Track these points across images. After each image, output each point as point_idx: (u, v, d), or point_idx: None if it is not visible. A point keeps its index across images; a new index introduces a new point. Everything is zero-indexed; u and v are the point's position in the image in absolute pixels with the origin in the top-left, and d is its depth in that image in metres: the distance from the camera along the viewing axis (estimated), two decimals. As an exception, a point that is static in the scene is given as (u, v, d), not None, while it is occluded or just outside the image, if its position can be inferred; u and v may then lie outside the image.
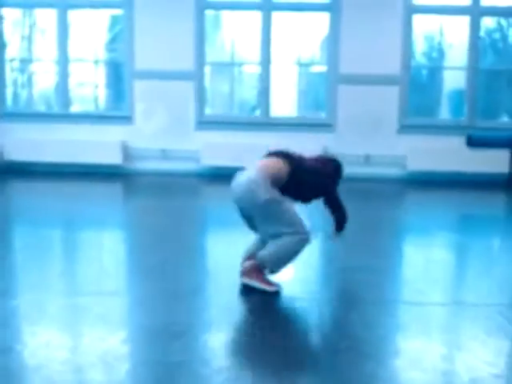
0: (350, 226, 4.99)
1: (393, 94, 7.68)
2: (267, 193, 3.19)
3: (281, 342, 2.68)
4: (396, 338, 2.83)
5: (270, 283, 3.34)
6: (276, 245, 3.27)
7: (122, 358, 2.50)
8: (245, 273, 3.36)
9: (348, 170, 7.67)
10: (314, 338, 2.74)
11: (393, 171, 7.68)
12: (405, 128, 7.69)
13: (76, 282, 3.55)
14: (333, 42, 7.62)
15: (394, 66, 7.62)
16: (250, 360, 2.52)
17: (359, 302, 3.23)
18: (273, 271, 3.38)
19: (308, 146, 7.55)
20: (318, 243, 4.47)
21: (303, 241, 3.28)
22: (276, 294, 3.28)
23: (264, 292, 3.29)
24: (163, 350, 2.55)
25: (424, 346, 2.68)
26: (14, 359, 2.47)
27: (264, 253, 3.31)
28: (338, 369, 2.41)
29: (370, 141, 7.66)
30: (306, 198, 3.53)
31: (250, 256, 3.48)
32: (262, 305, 3.19)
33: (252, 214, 3.31)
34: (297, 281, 3.64)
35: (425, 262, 4.23)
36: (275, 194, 3.25)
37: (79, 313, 3.01)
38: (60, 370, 2.36)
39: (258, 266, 3.33)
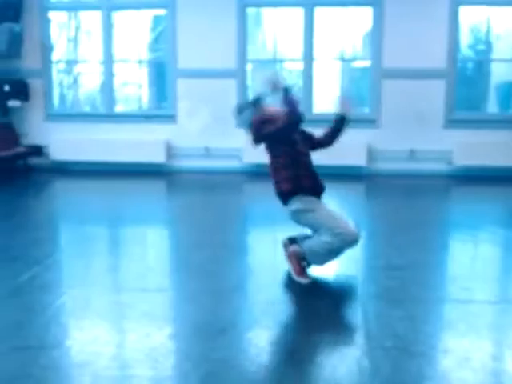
0: (395, 222, 4.93)
1: (439, 87, 7.51)
2: (296, 204, 3.36)
3: (325, 340, 2.66)
4: (444, 336, 2.77)
5: (303, 274, 3.41)
6: (317, 240, 3.32)
7: (168, 354, 2.53)
8: (289, 254, 3.48)
9: (393, 165, 7.64)
10: (359, 336, 2.70)
11: (439, 167, 7.52)
12: (451, 122, 7.52)
13: (121, 279, 3.60)
14: (376, 37, 7.51)
15: (439, 60, 7.45)
16: (294, 357, 2.50)
17: (405, 299, 3.17)
18: (309, 264, 3.45)
19: (351, 142, 7.49)
20: (362, 240, 4.41)
21: (345, 242, 3.29)
22: (315, 289, 3.29)
23: (307, 288, 3.28)
24: (208, 346, 2.56)
25: (473, 344, 2.61)
26: (63, 355, 2.52)
27: (306, 244, 3.40)
28: (385, 367, 2.37)
29: (415, 136, 7.51)
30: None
31: (294, 239, 3.57)
32: (306, 302, 3.17)
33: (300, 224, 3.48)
34: (341, 277, 3.61)
35: (472, 258, 4.13)
36: (307, 203, 3.36)
37: (125, 309, 3.05)
38: (107, 366, 2.40)
39: (299, 255, 3.42)
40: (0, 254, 4.04)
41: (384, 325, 2.82)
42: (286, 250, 3.57)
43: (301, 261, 3.44)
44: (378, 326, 2.83)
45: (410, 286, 3.40)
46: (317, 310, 3.05)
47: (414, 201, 6.12)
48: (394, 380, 2.29)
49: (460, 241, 4.61)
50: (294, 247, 3.48)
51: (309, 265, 3.47)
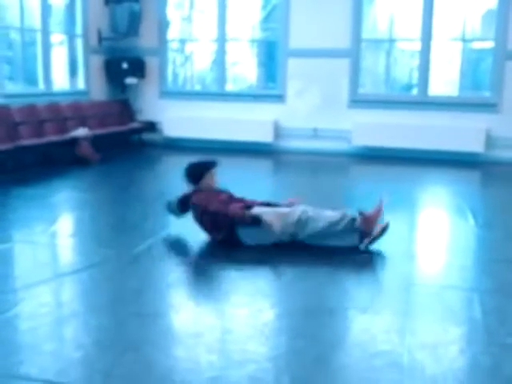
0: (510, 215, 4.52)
1: None
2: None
3: (440, 331, 2.56)
4: None
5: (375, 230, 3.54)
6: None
7: (279, 331, 2.54)
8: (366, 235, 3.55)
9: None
10: (478, 331, 2.57)
11: None
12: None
13: (233, 254, 3.64)
14: (501, 15, 7.04)
15: None
16: (408, 346, 2.42)
17: (527, 295, 2.98)
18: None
19: (469, 127, 7.12)
20: (478, 231, 4.20)
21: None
22: (427, 279, 3.19)
23: (420, 278, 3.17)
24: (319, 326, 2.54)
25: None
26: (179, 324, 2.61)
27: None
28: (506, 366, 2.24)
29: (539, 122, 7.02)
30: None
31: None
32: (417, 292, 3.06)
33: None
34: (456, 269, 3.44)
35: None
36: None
37: (235, 283, 3.08)
38: (221, 339, 2.45)
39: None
40: (119, 224, 4.24)
41: (504, 320, 2.67)
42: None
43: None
44: (497, 321, 2.67)
45: (534, 281, 3.19)
46: (431, 299, 2.94)
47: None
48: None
49: None
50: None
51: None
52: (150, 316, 2.61)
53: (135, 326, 2.51)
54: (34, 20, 7.19)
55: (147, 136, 8.37)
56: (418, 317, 2.77)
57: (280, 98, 7.99)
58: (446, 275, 3.34)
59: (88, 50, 7.96)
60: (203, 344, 2.36)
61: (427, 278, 3.26)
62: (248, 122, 8.00)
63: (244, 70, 9.87)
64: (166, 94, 8.48)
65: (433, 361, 2.29)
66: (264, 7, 10.40)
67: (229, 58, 8.55)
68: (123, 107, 8.34)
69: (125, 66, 8.16)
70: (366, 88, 8.32)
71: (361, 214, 3.54)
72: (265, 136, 7.93)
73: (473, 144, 7.10)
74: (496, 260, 3.56)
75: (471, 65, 8.49)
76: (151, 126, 8.35)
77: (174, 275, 3.18)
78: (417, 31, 7.46)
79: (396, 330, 2.60)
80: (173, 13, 8.97)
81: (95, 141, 6.96)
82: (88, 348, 2.32)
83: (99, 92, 8.19)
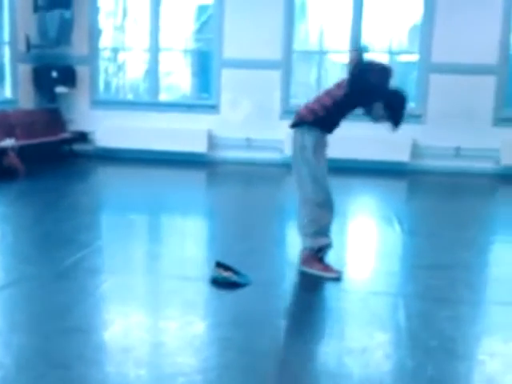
0: (439, 221, 4.78)
1: (488, 84, 7.30)
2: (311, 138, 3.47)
3: (367, 337, 2.63)
4: (490, 339, 2.70)
5: (328, 269, 3.33)
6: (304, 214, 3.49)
7: (209, 343, 2.54)
8: (303, 261, 3.40)
9: (438, 163, 7.49)
10: (402, 335, 2.66)
11: (486, 165, 7.33)
12: (500, 121, 7.31)
13: (163, 266, 3.62)
14: (426, 29, 7.33)
15: (490, 56, 7.24)
16: (337, 352, 2.48)
17: (449, 300, 3.10)
18: (323, 248, 3.38)
19: (395, 137, 7.34)
20: (404, 238, 4.35)
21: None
22: (338, 281, 3.26)
23: (347, 285, 3.25)
24: (249, 337, 2.56)
25: (521, 349, 2.54)
26: (108, 339, 2.56)
27: (302, 226, 3.46)
28: (429, 368, 2.32)
29: (461, 133, 7.32)
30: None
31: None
32: (344, 298, 3.14)
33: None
34: (382, 275, 3.55)
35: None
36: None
37: (167, 297, 3.07)
38: (150, 352, 2.43)
39: (314, 253, 3.35)
40: (45, 239, 4.10)
41: (428, 325, 2.77)
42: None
43: (317, 258, 3.36)
44: (421, 325, 2.77)
45: (455, 286, 3.33)
46: (357, 306, 3.02)
47: (459, 200, 5.99)
48: (437, 382, 2.24)
49: (506, 242, 4.48)
50: (302, 252, 3.41)
51: (322, 250, 3.38)
52: (78, 332, 2.55)
53: (62, 343, 2.45)
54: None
55: (78, 147, 8.17)
56: (345, 322, 2.84)
57: (214, 108, 8.01)
58: (373, 281, 3.44)
59: (16, 58, 7.71)
60: (133, 358, 2.33)
61: (355, 285, 3.35)
62: (182, 132, 7.96)
63: (178, 79, 9.84)
64: (97, 103, 8.32)
65: (360, 365, 2.35)
66: (198, 18, 10.43)
67: (162, 68, 8.50)
68: (53, 117, 8.12)
69: (54, 74, 7.95)
70: (298, 99, 8.45)
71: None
72: (199, 146, 7.91)
73: (399, 153, 7.35)
74: (420, 266, 3.69)
75: (398, 77, 8.79)
76: (82, 137, 8.16)
77: (102, 289, 3.12)
78: (346, 43, 7.66)
79: (324, 336, 2.66)
80: (105, 21, 8.85)
81: (23, 151, 6.73)
82: (9, 368, 2.24)
83: (27, 101, 7.94)
